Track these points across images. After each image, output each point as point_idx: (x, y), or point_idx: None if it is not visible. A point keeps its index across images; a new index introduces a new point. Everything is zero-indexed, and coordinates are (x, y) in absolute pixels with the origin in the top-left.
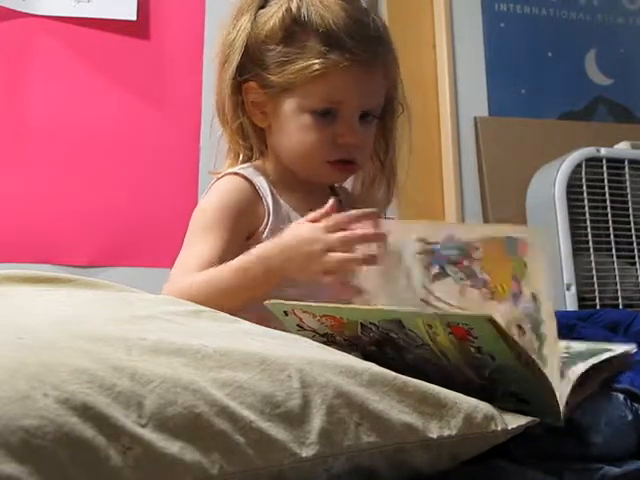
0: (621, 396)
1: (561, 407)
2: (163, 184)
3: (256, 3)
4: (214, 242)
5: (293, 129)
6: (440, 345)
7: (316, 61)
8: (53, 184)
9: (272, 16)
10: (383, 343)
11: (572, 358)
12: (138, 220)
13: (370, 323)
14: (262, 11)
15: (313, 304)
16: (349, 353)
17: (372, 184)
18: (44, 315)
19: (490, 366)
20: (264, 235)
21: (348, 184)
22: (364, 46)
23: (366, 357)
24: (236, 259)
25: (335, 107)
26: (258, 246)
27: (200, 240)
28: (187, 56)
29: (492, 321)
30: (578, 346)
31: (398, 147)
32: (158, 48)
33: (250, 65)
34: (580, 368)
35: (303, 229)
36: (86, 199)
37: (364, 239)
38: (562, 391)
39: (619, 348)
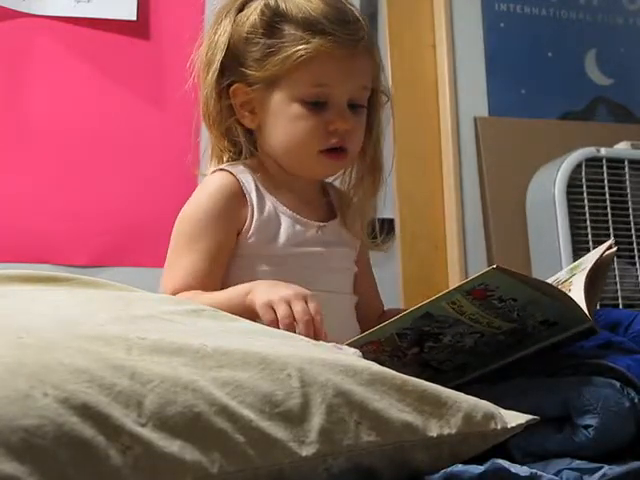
0: (617, 384)
1: (585, 311)
2: (163, 184)
3: (235, 7)
4: (202, 252)
5: (284, 121)
6: (468, 314)
7: (300, 47)
8: (53, 184)
9: (252, 13)
10: (422, 340)
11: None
12: (138, 220)
13: (404, 329)
14: (241, 14)
15: (353, 339)
16: (401, 369)
17: (359, 179)
18: (44, 315)
19: (515, 307)
20: (250, 232)
21: (337, 181)
22: (345, 29)
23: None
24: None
25: (323, 94)
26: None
27: (188, 250)
28: (187, 56)
29: (499, 268)
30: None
31: (383, 138)
32: (158, 48)
33: (233, 65)
34: (580, 278)
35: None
36: (86, 199)
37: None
38: (579, 298)
39: (595, 253)
